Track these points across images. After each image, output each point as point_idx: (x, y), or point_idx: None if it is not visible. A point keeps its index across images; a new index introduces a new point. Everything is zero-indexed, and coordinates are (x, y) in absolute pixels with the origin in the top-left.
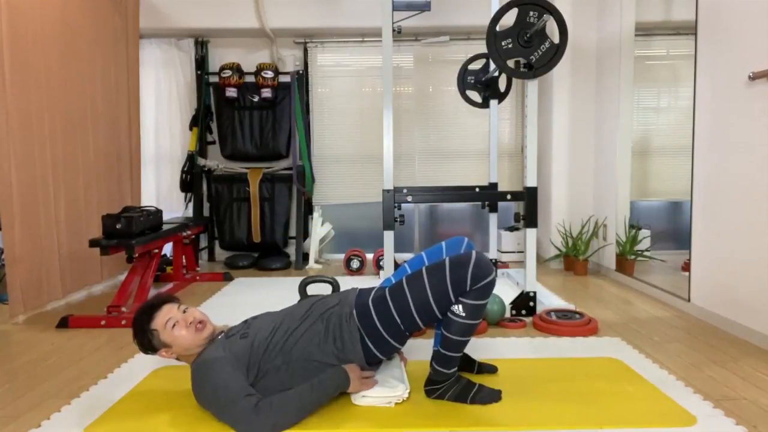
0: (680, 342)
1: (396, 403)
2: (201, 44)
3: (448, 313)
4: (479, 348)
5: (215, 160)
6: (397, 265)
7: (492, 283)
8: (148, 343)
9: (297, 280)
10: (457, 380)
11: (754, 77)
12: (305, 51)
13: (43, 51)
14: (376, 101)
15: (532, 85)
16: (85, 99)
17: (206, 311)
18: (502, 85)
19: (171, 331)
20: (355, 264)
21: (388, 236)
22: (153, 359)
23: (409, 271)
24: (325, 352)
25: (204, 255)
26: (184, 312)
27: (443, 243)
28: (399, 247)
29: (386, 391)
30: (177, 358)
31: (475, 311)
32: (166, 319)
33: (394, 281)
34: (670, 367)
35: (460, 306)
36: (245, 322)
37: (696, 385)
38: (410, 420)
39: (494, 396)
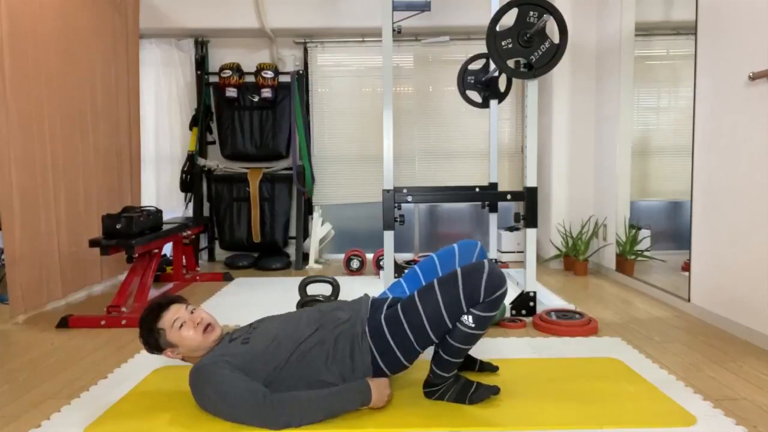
0: (680, 342)
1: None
2: (201, 44)
3: (456, 322)
4: (479, 348)
5: (215, 160)
6: (397, 266)
7: (503, 295)
8: (154, 342)
9: (297, 280)
10: (455, 380)
11: (754, 77)
12: (305, 51)
13: (44, 51)
14: (376, 101)
15: (532, 85)
16: (85, 99)
17: (211, 314)
18: (502, 85)
19: (178, 332)
20: (355, 264)
21: (388, 236)
22: (153, 359)
23: (421, 276)
24: (331, 371)
25: (204, 255)
26: (192, 313)
27: (455, 246)
28: (399, 247)
29: None
30: (183, 359)
31: (483, 322)
32: (173, 318)
33: (405, 285)
34: (670, 367)
35: (470, 317)
36: (250, 325)
37: (696, 385)
38: (410, 420)
39: (492, 390)
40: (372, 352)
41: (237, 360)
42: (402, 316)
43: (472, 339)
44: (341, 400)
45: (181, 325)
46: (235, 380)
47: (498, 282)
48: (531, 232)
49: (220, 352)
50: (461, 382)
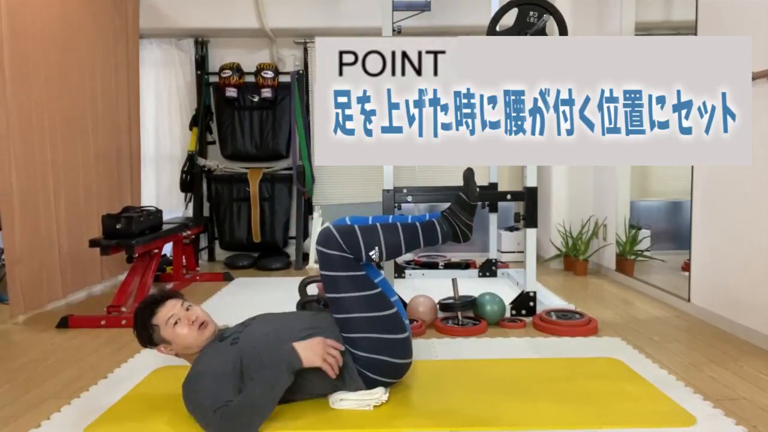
0: (680, 342)
1: (375, 406)
2: (201, 44)
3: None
4: (479, 348)
5: (215, 160)
6: (397, 266)
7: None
8: (147, 337)
9: (297, 280)
10: (447, 221)
11: (754, 77)
12: (305, 51)
13: (43, 51)
14: None
15: None
16: (85, 99)
17: (207, 311)
18: None
19: (173, 329)
20: None
21: None
22: (153, 359)
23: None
24: (324, 378)
25: (204, 255)
26: (188, 310)
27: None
28: None
29: (363, 394)
30: (176, 355)
31: (377, 235)
32: (168, 315)
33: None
34: (670, 367)
35: (374, 251)
36: (242, 323)
37: (696, 385)
38: (410, 420)
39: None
40: (354, 362)
41: (226, 362)
42: (343, 317)
43: (396, 237)
44: (277, 375)
45: (176, 323)
46: (208, 398)
47: (326, 239)
48: (531, 232)
49: (211, 355)
50: (450, 217)
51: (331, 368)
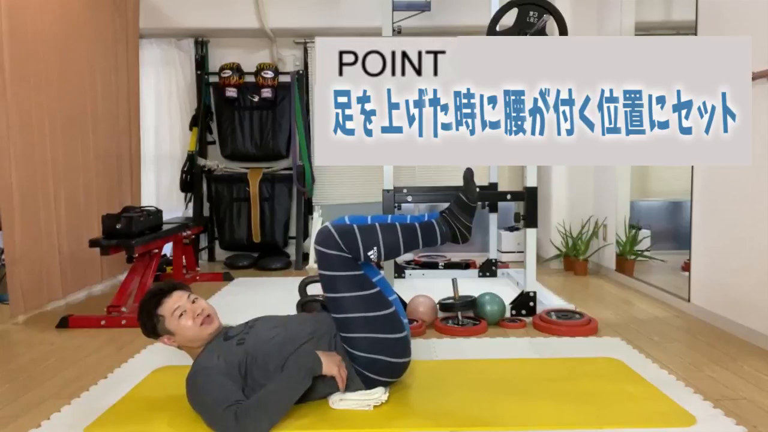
0: (680, 342)
1: (374, 406)
2: (201, 44)
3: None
4: (479, 348)
5: (215, 160)
6: (397, 266)
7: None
8: (152, 327)
9: (297, 280)
10: (446, 221)
11: (754, 77)
12: (305, 51)
13: (44, 51)
14: None
15: None
16: (85, 99)
17: (212, 306)
18: None
19: (177, 320)
20: None
21: None
22: (153, 359)
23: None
24: (326, 382)
25: (204, 255)
26: (193, 302)
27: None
28: None
29: (363, 394)
30: (178, 347)
31: (375, 235)
32: (174, 306)
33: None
34: (670, 367)
35: (373, 251)
36: (246, 324)
37: (696, 385)
38: (410, 420)
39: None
40: (353, 365)
41: (231, 362)
42: (343, 319)
43: (395, 237)
44: (299, 377)
45: (181, 314)
46: (218, 392)
47: (323, 237)
48: (531, 232)
49: (217, 353)
50: (450, 218)
51: (342, 380)
